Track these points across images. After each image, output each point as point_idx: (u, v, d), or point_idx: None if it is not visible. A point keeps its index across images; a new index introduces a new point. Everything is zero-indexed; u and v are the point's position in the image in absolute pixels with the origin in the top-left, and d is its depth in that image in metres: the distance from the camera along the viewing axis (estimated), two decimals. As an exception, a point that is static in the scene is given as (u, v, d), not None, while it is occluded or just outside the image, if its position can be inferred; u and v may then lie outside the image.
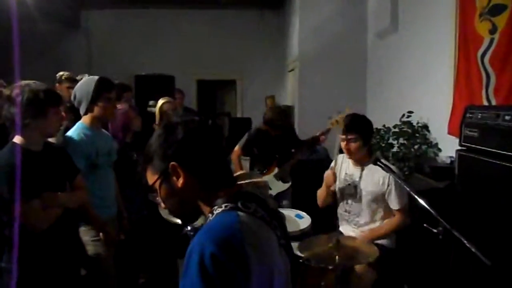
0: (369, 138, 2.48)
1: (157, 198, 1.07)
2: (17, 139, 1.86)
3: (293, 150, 3.75)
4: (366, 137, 2.45)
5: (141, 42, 7.47)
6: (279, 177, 3.74)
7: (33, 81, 1.89)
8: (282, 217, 1.11)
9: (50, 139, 2.10)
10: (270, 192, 3.56)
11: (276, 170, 3.74)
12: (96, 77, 2.37)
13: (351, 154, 2.49)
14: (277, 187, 3.73)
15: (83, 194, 2.13)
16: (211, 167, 1.04)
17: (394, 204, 2.42)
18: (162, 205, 1.08)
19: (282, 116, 3.69)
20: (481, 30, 2.92)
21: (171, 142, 1.02)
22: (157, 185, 1.04)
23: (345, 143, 2.47)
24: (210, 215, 1.00)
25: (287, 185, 3.75)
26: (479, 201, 2.20)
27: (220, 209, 0.98)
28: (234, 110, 8.43)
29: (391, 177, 2.32)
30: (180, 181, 1.01)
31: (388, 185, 2.40)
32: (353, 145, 2.44)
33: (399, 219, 2.44)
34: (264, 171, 3.82)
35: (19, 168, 1.71)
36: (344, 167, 2.63)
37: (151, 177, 1.05)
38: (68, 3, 6.91)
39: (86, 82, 2.36)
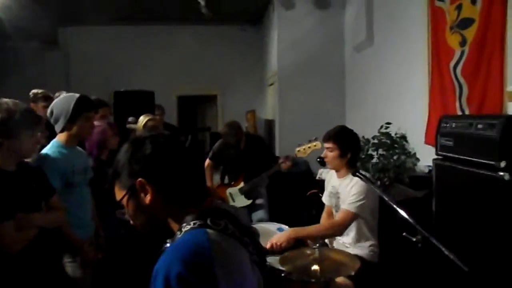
0: (346, 150, 2.47)
1: (126, 216, 1.04)
2: None
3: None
4: (344, 149, 2.47)
5: (120, 58, 7.43)
6: (243, 192, 3.79)
7: (13, 100, 1.85)
8: (254, 233, 1.07)
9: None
10: (233, 204, 3.61)
11: (242, 184, 3.79)
12: (77, 95, 2.30)
13: (328, 163, 2.54)
14: (240, 201, 3.78)
15: (59, 214, 2.07)
16: (180, 183, 1.00)
17: (344, 203, 2.41)
18: (131, 222, 1.04)
19: (232, 131, 3.74)
20: (452, 43, 3.02)
21: (138, 157, 0.99)
22: (124, 201, 1.01)
23: (325, 151, 2.54)
24: (178, 232, 0.96)
25: (248, 202, 3.80)
26: (455, 208, 2.24)
27: (188, 227, 0.95)
28: (215, 125, 8.41)
29: (362, 185, 2.33)
30: (148, 197, 0.98)
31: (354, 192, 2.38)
32: (329, 155, 2.50)
33: (336, 220, 2.44)
34: (232, 183, 3.90)
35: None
36: (331, 180, 2.68)
37: (119, 193, 1.02)
38: (45, 20, 6.84)
39: (65, 100, 2.30)
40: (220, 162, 4.04)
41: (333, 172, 2.65)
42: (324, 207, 2.81)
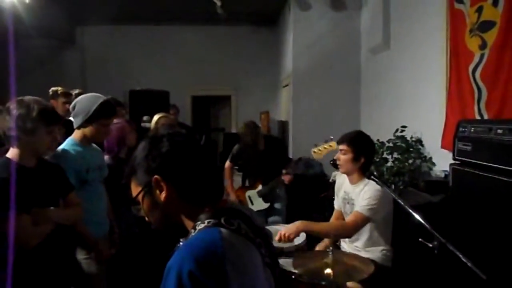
0: (360, 155, 2.44)
1: (141, 212, 1.05)
2: (11, 153, 1.85)
3: (283, 171, 3.74)
4: (357, 153, 2.44)
5: (136, 58, 7.50)
6: (261, 195, 3.78)
7: (36, 97, 1.88)
8: (268, 235, 1.07)
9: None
10: (251, 207, 3.61)
11: (260, 187, 3.79)
12: (101, 99, 2.31)
13: (340, 166, 2.51)
14: (259, 204, 3.77)
15: (76, 211, 2.09)
16: (195, 181, 1.01)
17: (357, 206, 2.38)
18: (146, 218, 1.05)
19: (248, 130, 3.78)
20: (472, 46, 2.96)
21: (155, 155, 1.00)
22: (140, 197, 1.02)
23: (338, 154, 2.51)
24: (192, 230, 0.97)
25: (266, 205, 3.79)
26: (473, 214, 2.19)
27: (202, 225, 0.96)
28: (229, 125, 8.43)
29: (376, 190, 2.31)
30: (163, 194, 0.99)
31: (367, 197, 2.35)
32: (342, 157, 2.48)
33: (346, 222, 2.40)
34: (251, 186, 3.92)
35: (13, 183, 1.68)
36: (343, 186, 2.64)
37: (135, 189, 1.04)
38: (63, 19, 6.96)
39: (90, 99, 2.31)
40: (240, 163, 4.06)
41: (345, 176, 2.62)
42: (334, 210, 2.79)
